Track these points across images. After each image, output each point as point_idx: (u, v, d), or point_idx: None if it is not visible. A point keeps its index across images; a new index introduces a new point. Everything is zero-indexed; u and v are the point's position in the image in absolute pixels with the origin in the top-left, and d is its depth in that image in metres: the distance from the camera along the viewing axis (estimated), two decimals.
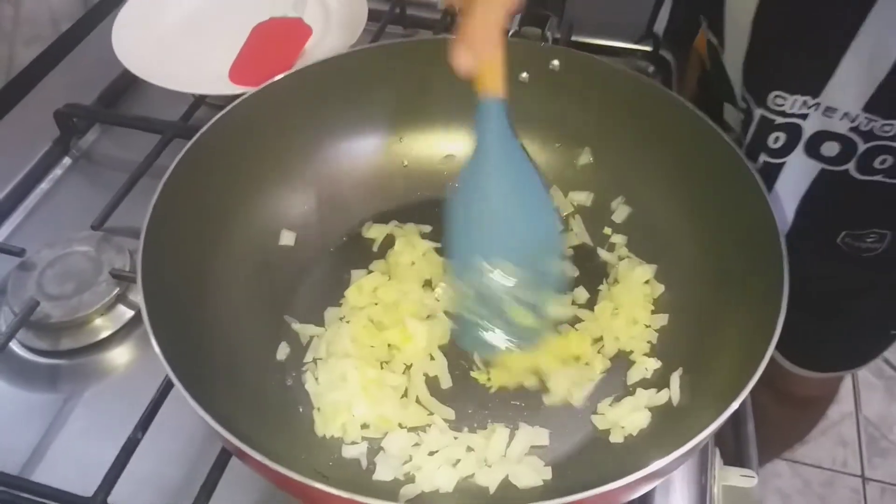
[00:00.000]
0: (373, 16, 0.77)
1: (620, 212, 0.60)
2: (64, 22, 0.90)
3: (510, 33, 0.62)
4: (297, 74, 0.60)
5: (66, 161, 0.76)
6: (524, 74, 0.60)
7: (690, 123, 0.53)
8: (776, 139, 0.64)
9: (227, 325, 0.52)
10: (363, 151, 0.63)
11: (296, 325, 0.56)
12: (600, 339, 0.55)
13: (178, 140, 0.71)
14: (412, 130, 0.63)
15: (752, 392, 0.75)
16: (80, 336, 0.59)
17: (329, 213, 0.61)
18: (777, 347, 0.91)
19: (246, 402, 0.45)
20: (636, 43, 0.84)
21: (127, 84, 0.82)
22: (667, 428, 0.48)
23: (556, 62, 0.59)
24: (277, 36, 0.78)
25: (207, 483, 0.47)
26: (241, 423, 0.40)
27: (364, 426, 0.50)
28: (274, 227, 0.59)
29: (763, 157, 0.66)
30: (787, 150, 0.65)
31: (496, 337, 0.49)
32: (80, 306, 0.59)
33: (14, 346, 0.59)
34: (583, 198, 0.61)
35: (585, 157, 0.62)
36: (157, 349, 0.42)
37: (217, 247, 0.54)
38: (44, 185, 0.74)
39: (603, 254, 0.59)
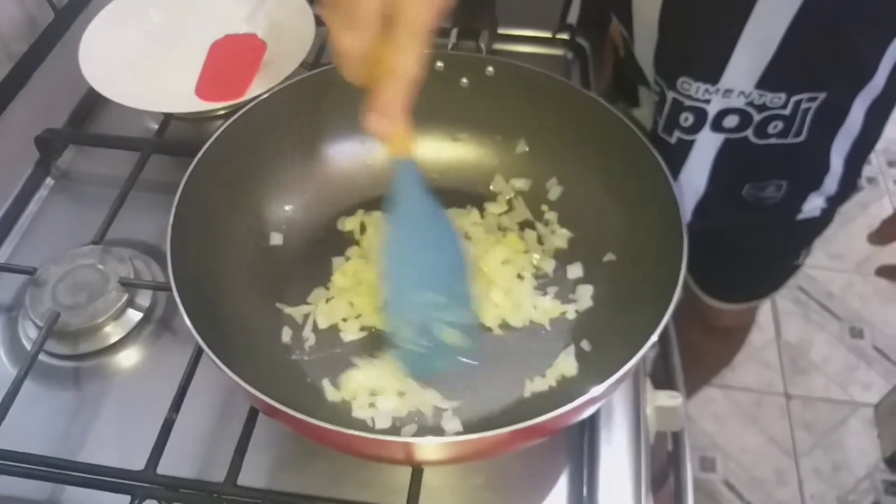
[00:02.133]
0: None
1: (554, 191, 0.71)
2: (15, 44, 0.94)
3: (450, 47, 0.72)
4: (282, 91, 0.67)
5: (49, 182, 0.82)
6: (464, 80, 0.70)
7: (602, 115, 0.64)
8: (686, 119, 0.77)
9: (235, 318, 0.61)
10: (335, 156, 0.72)
11: (288, 310, 0.65)
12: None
13: (156, 155, 0.78)
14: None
15: (681, 329, 0.90)
16: (96, 340, 0.67)
17: (308, 213, 0.70)
18: (699, 286, 1.07)
19: (261, 374, 0.55)
20: (555, 33, 0.94)
21: (93, 103, 0.88)
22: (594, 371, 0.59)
23: (490, 69, 0.69)
24: (235, 52, 0.85)
25: (239, 447, 0.56)
26: (263, 389, 0.49)
27: (372, 393, 0.60)
28: (264, 231, 0.68)
29: (677, 134, 0.79)
30: (695, 128, 0.78)
31: (439, 360, 0.58)
32: (96, 313, 0.66)
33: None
34: (521, 184, 0.72)
35: (522, 147, 0.72)
36: (189, 325, 0.51)
37: (220, 251, 0.62)
38: (32, 207, 0.80)
39: (539, 227, 0.70)
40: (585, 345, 0.63)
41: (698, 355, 1.22)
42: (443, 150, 0.73)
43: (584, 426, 0.62)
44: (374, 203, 0.72)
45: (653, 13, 0.75)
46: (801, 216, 0.86)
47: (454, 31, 0.72)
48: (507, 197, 0.72)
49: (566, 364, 0.62)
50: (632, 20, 0.79)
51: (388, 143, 0.55)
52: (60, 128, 0.83)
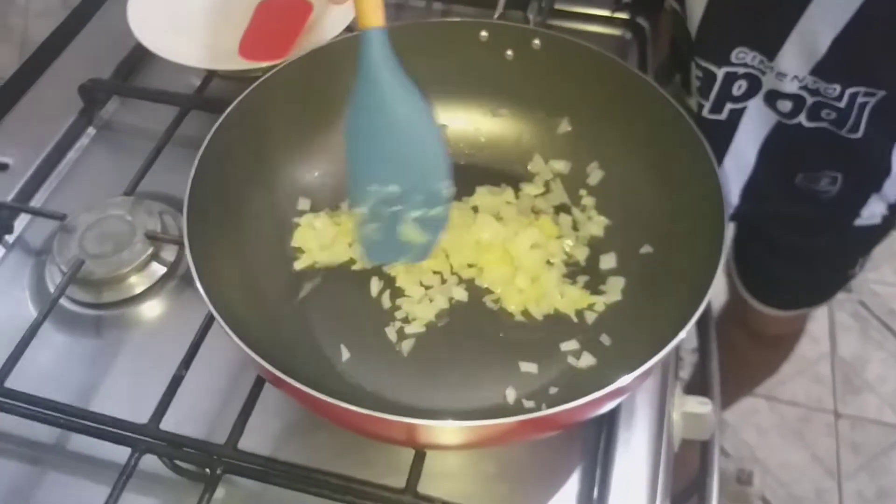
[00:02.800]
0: None
1: (594, 175, 0.67)
2: None
3: (496, 16, 0.69)
4: (314, 53, 0.66)
5: (91, 131, 0.83)
6: (509, 52, 0.67)
7: (651, 97, 0.60)
8: (739, 87, 0.73)
9: (252, 279, 0.60)
10: None
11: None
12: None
13: (195, 111, 0.78)
14: None
15: (724, 333, 0.85)
16: (119, 290, 0.67)
17: (336, 180, 0.68)
18: (746, 288, 1.01)
19: (272, 340, 0.53)
20: (613, 11, 0.90)
21: (140, 57, 0.88)
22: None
23: (537, 42, 0.66)
24: (280, 13, 0.83)
25: (243, 412, 0.55)
26: (273, 357, 0.48)
27: None
28: (292, 195, 0.67)
29: (728, 106, 0.74)
30: (748, 95, 0.73)
31: (395, 249, 0.57)
32: (120, 264, 0.66)
33: (62, 300, 0.67)
34: (561, 166, 0.68)
35: (564, 126, 0.69)
36: (201, 291, 0.50)
37: (243, 210, 0.62)
38: (72, 155, 0.80)
39: (576, 212, 0.67)
40: (605, 339, 0.60)
41: (742, 362, 1.17)
42: (481, 125, 0.71)
43: (603, 424, 0.59)
44: None
45: None
46: (859, 221, 0.80)
47: (502, 0, 0.68)
48: (545, 179, 0.69)
49: (586, 357, 0.59)
50: None
51: (355, 9, 0.52)
52: (105, 79, 0.84)
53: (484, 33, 0.66)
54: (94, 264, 0.66)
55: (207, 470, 0.53)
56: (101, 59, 0.86)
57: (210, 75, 0.81)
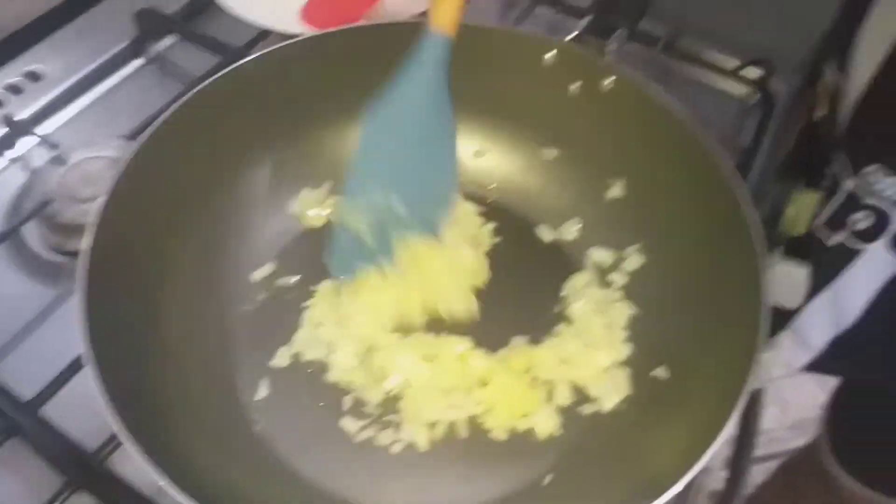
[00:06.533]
0: None
1: (633, 260, 0.54)
2: None
3: (569, 38, 0.56)
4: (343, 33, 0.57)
5: (138, 62, 0.78)
6: (574, 86, 0.55)
7: (719, 187, 0.47)
8: (858, 221, 0.56)
9: None
10: None
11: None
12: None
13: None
14: None
15: (799, 491, 0.65)
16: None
17: None
18: (839, 459, 0.79)
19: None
20: (744, 64, 0.74)
21: (206, 3, 0.82)
22: None
23: (608, 82, 0.53)
24: None
25: None
26: None
27: None
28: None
29: (840, 237, 0.57)
30: (868, 236, 0.56)
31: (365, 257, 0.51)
32: (88, 213, 0.60)
33: (29, 236, 0.62)
34: (599, 256, 0.56)
35: (616, 191, 0.56)
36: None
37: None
38: (109, 82, 0.76)
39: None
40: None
41: None
42: (522, 162, 0.59)
43: None
44: None
45: (871, 63, 0.54)
46: None
47: (584, 21, 0.55)
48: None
49: None
50: (850, 65, 0.58)
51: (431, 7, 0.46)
52: (164, 13, 0.78)
53: (549, 56, 0.54)
54: (63, 205, 0.60)
55: (64, 478, 0.45)
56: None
57: (263, 33, 0.74)
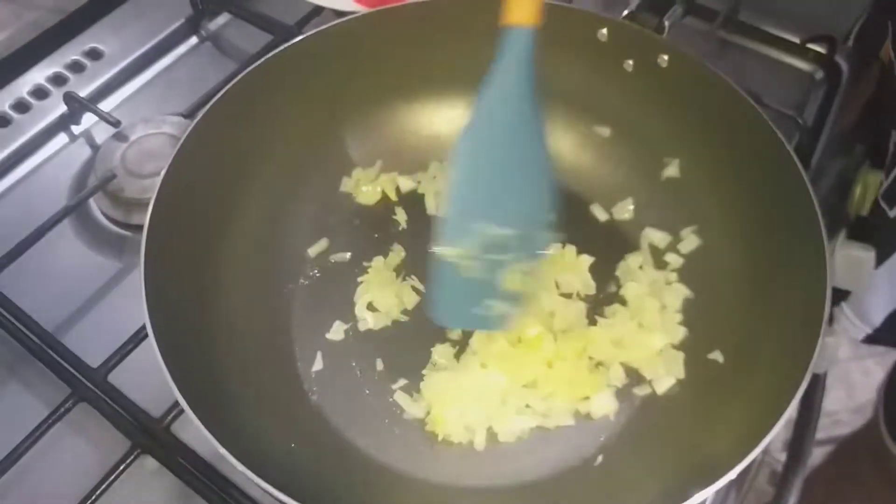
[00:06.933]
0: None
1: (688, 242, 0.53)
2: None
3: (623, 14, 0.55)
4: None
5: (193, 41, 0.79)
6: (629, 62, 0.54)
7: (781, 167, 0.45)
8: None
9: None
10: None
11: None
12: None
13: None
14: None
15: (855, 470, 0.65)
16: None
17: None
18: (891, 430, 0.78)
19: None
20: (806, 41, 0.72)
21: None
22: None
23: (665, 58, 0.52)
24: None
25: None
26: None
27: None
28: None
29: None
30: None
31: (478, 309, 0.45)
32: (153, 188, 0.62)
33: (94, 210, 0.64)
34: (654, 237, 0.55)
35: (672, 170, 0.55)
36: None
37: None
38: (165, 60, 0.77)
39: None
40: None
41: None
42: (573, 140, 0.58)
43: None
44: None
45: None
46: None
47: None
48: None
49: None
50: None
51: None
52: None
53: (604, 32, 0.53)
54: (125, 181, 0.62)
55: (130, 442, 0.47)
56: None
57: (316, 10, 0.74)
